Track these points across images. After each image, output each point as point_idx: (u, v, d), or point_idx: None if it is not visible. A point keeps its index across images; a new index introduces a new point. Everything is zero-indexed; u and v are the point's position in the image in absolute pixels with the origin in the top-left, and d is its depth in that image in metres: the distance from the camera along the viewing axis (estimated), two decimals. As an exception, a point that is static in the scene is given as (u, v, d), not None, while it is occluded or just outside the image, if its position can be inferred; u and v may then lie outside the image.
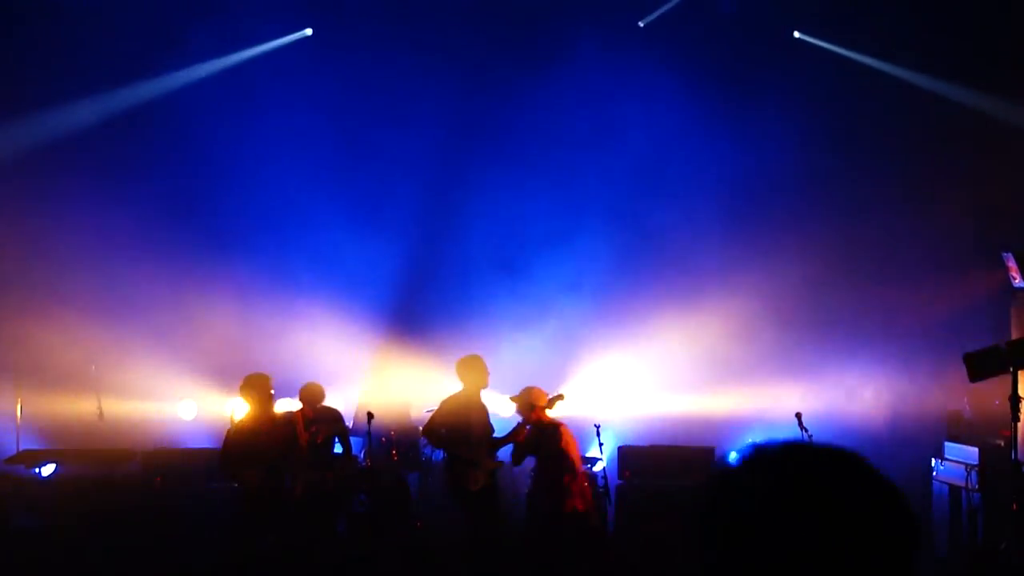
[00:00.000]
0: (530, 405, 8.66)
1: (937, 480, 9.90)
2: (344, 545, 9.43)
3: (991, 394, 9.98)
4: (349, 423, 10.51)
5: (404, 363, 11.84)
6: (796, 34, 12.30)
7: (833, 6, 12.06)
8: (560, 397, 9.10)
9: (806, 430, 9.14)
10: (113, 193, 11.45)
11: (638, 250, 12.10)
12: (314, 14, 12.39)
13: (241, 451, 8.60)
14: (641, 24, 12.29)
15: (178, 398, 11.90)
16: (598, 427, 9.69)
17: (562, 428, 8.63)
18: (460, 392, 8.94)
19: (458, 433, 8.67)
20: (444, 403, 8.91)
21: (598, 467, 10.11)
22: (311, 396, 9.88)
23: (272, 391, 8.95)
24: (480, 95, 12.24)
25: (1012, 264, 10.14)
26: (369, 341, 12.09)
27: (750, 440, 9.33)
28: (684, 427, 11.43)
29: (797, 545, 1.44)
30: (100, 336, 11.25)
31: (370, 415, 9.71)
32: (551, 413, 8.89)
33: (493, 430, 8.93)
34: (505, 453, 8.93)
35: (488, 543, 8.54)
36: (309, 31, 12.45)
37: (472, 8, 12.23)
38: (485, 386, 8.98)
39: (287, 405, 10.22)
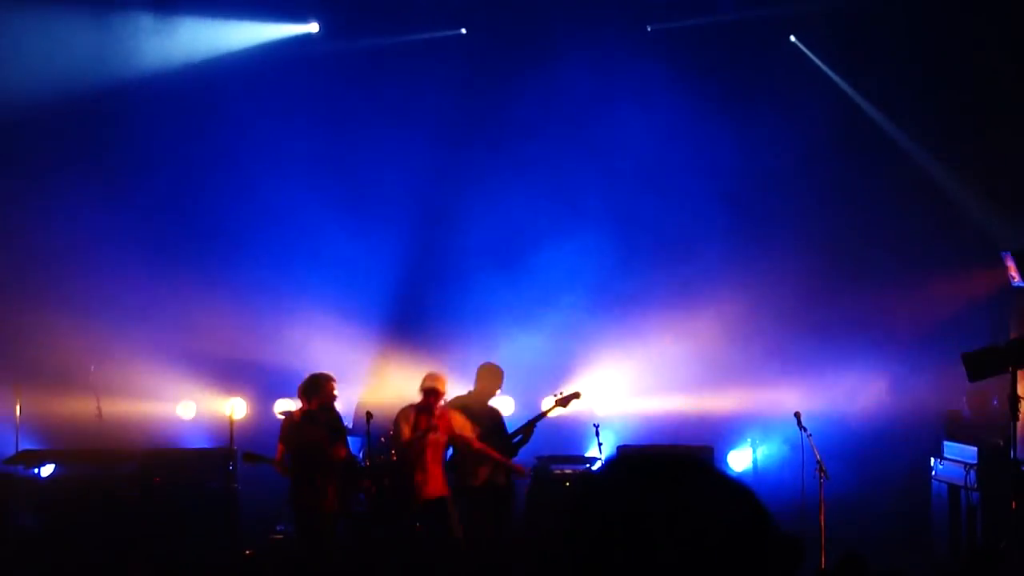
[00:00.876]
0: (435, 391, 8.51)
1: (936, 479, 9.92)
2: (344, 545, 9.41)
3: (990, 393, 10.00)
4: (349, 423, 10.50)
5: (404, 361, 11.83)
6: (792, 38, 12.28)
7: (831, 15, 12.05)
8: (576, 395, 9.12)
9: (805, 430, 9.15)
10: (112, 191, 11.44)
11: (638, 249, 12.09)
12: (313, 11, 12.37)
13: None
14: (649, 29, 12.28)
15: (178, 398, 11.90)
16: (597, 427, 9.68)
17: (450, 413, 8.64)
18: (468, 393, 9.03)
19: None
20: (451, 403, 8.92)
21: (597, 467, 10.10)
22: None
23: (336, 392, 8.90)
24: (479, 91, 12.23)
25: (1011, 264, 10.15)
26: (368, 339, 12.08)
27: (750, 440, 9.21)
28: (684, 427, 11.44)
29: (652, 545, 1.49)
30: (100, 336, 11.24)
31: (369, 415, 9.68)
32: (562, 411, 8.93)
33: (505, 429, 9.01)
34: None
35: (491, 542, 8.53)
36: (316, 27, 12.37)
37: (473, 5, 12.23)
38: (494, 395, 9.14)
39: (285, 404, 10.22)
